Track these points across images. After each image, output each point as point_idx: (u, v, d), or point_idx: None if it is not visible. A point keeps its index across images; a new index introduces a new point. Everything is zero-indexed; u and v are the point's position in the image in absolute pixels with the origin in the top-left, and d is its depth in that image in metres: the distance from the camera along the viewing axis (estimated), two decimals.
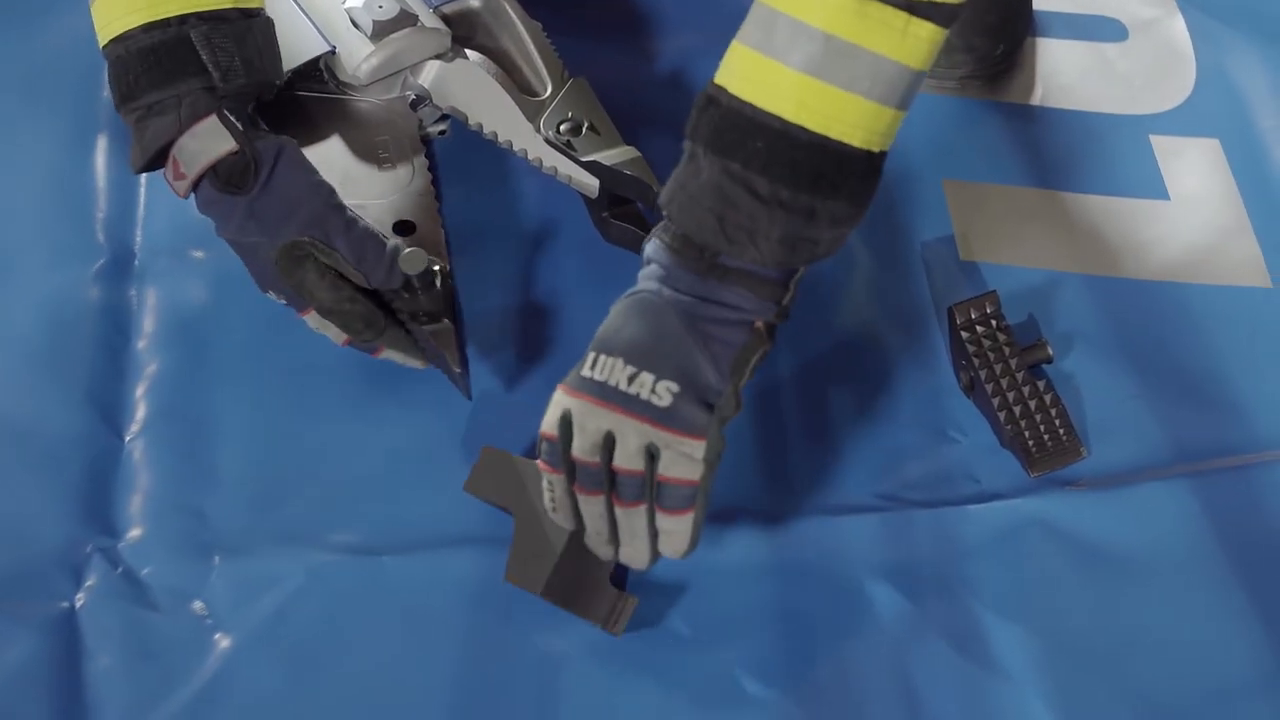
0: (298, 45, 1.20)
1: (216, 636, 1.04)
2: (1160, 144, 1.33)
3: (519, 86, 1.23)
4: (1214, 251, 1.26)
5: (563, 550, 1.03)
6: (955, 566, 1.08)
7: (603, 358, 0.96)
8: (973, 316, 1.14)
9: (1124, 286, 1.23)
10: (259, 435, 1.14)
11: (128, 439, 1.14)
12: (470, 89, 1.21)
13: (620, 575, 1.06)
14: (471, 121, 1.21)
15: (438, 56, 1.22)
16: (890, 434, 1.15)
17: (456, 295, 1.19)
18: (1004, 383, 1.13)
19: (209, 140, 1.04)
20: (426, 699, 1.02)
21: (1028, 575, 1.08)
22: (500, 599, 1.06)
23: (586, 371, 0.97)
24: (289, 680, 1.03)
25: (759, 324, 0.97)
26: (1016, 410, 1.12)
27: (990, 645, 1.04)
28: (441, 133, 1.26)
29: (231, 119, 1.04)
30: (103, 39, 1.06)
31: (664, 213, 0.96)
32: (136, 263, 1.24)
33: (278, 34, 1.12)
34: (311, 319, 1.10)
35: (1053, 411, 1.13)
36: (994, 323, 1.14)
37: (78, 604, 1.05)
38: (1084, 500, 1.11)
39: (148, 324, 1.20)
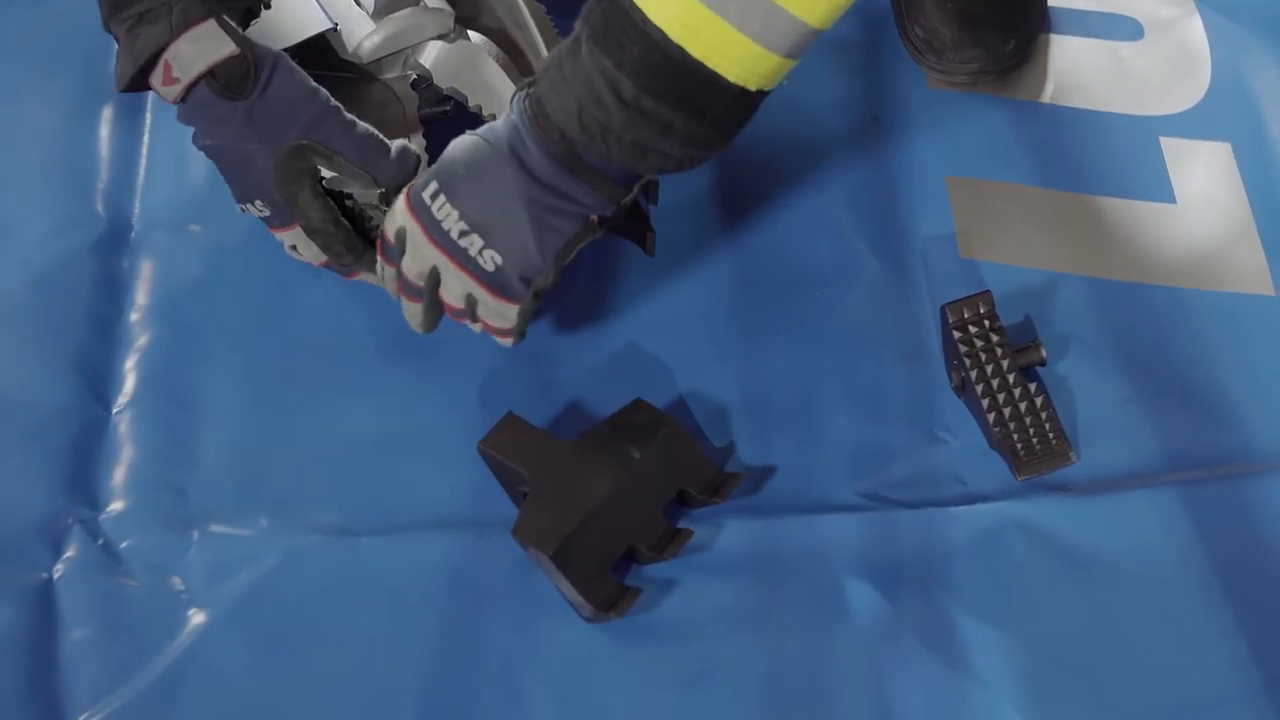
0: (300, 21, 1.20)
1: (191, 612, 1.05)
2: (1170, 146, 1.31)
3: (520, 70, 1.22)
4: (1218, 257, 1.24)
5: (582, 522, 1.03)
6: (936, 568, 1.07)
7: (444, 201, 1.02)
8: (965, 316, 1.13)
9: (1124, 290, 1.22)
10: (245, 413, 1.15)
11: (114, 411, 1.14)
12: (471, 71, 1.20)
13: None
14: (471, 103, 1.20)
15: (440, 37, 1.21)
16: (878, 432, 1.14)
17: None
18: (994, 384, 1.12)
19: (208, 44, 1.04)
20: (398, 682, 1.02)
21: (1009, 579, 1.06)
22: (476, 584, 1.06)
23: (428, 199, 1.02)
24: (260, 658, 1.03)
25: (594, 217, 1.01)
26: (1006, 412, 1.11)
27: (966, 649, 1.03)
28: (444, 113, 1.26)
29: (230, 23, 1.05)
30: None
31: (533, 84, 0.99)
32: (133, 234, 1.24)
33: (280, 10, 1.12)
34: (289, 236, 1.12)
35: (1043, 415, 1.12)
36: (987, 323, 1.13)
37: (55, 575, 1.06)
38: (1070, 505, 1.10)
39: (140, 296, 1.20)
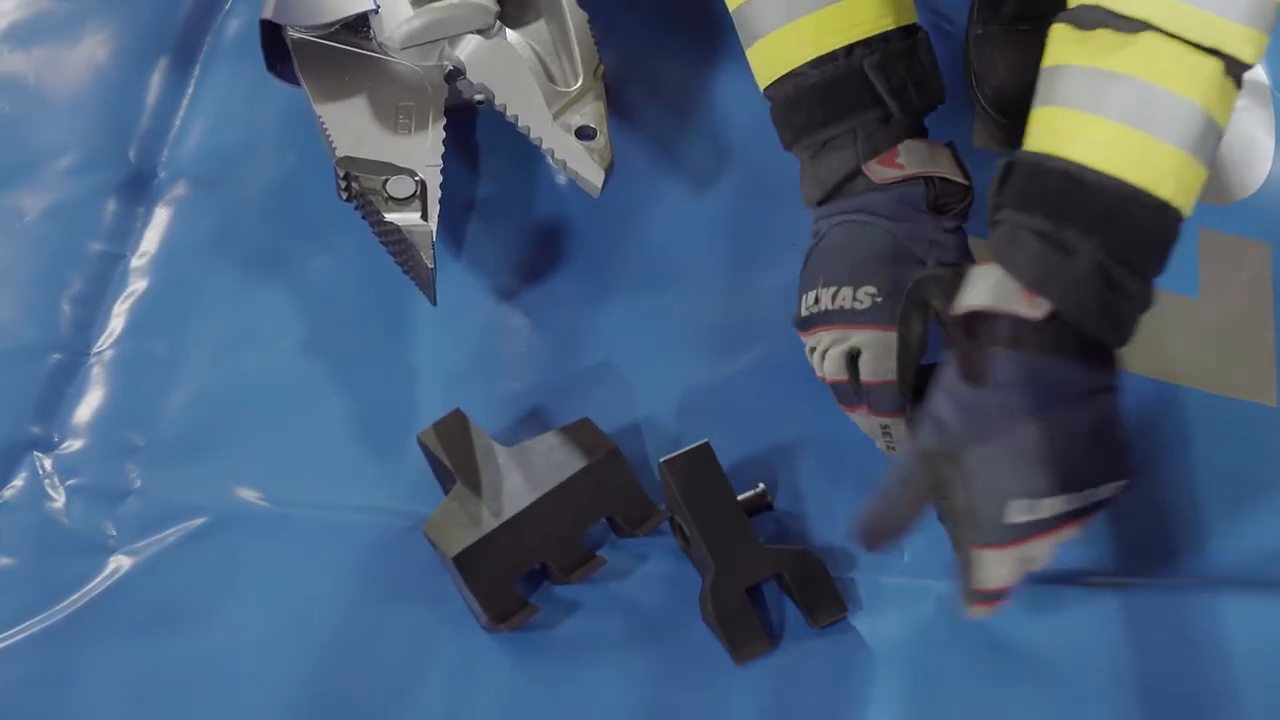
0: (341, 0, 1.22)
1: (112, 559, 1.08)
2: (1208, 238, 1.26)
3: (550, 74, 1.22)
4: (1226, 359, 1.19)
5: (493, 531, 1.03)
6: (848, 636, 1.04)
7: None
8: None
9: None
10: (215, 372, 1.18)
11: (93, 352, 1.18)
12: (502, 70, 1.21)
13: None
14: (497, 101, 1.21)
15: (479, 31, 1.22)
16: (832, 485, 1.11)
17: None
18: None
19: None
20: (289, 661, 1.04)
21: (922, 659, 1.03)
22: (390, 575, 1.07)
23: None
24: (166, 616, 1.06)
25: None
26: None
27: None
28: (480, 101, 1.27)
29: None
30: (765, 80, 1.09)
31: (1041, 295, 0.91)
32: (156, 181, 1.28)
33: None
34: None
35: None
36: None
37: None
38: None
39: (147, 244, 1.24)
